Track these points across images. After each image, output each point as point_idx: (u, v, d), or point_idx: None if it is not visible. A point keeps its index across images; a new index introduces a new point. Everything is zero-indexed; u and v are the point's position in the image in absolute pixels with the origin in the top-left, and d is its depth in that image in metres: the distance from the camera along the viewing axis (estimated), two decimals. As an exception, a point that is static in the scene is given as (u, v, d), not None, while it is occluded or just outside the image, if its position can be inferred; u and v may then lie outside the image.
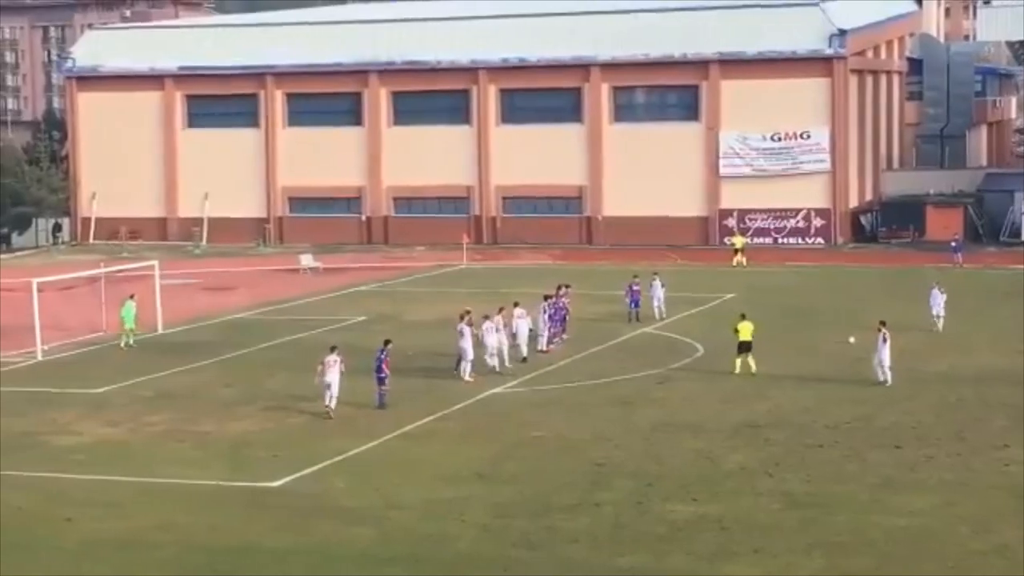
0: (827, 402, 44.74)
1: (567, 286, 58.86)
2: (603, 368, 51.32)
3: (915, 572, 28.79)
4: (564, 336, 56.09)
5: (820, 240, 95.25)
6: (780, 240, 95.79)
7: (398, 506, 33.97)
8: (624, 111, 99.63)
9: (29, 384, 50.07)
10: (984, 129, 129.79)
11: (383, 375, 44.94)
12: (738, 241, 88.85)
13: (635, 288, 62.11)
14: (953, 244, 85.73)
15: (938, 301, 58.48)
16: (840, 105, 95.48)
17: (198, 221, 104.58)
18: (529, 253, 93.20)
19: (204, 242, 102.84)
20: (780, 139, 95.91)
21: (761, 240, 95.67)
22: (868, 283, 76.17)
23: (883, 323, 47.23)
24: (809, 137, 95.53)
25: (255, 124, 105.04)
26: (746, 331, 49.44)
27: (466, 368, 49.12)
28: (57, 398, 47.78)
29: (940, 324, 58.02)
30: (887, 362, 46.66)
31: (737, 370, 49.20)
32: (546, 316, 54.85)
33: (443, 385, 48.44)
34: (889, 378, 46.68)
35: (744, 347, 49.30)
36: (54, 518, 33.37)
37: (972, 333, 58.01)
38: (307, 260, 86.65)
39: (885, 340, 46.58)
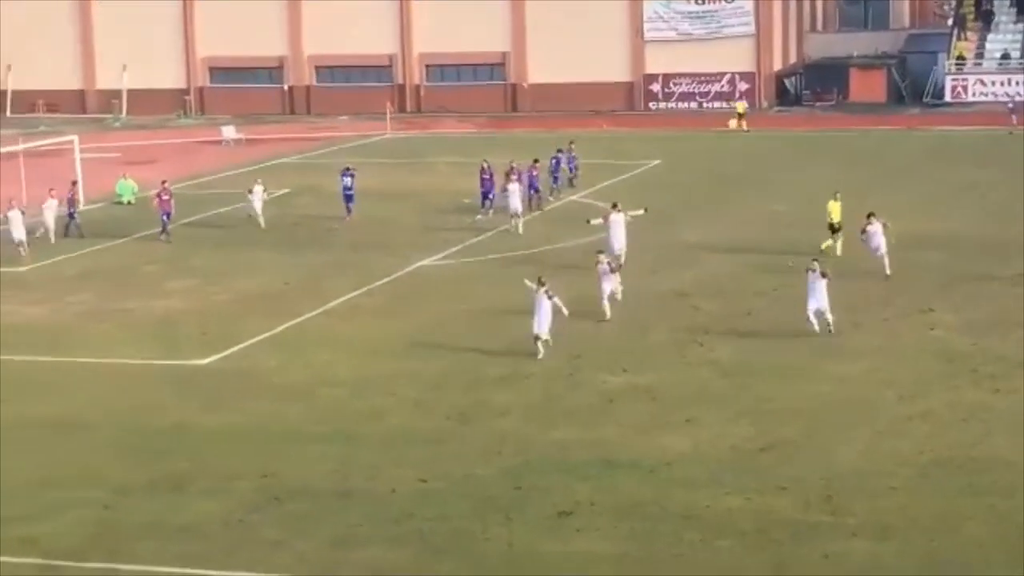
0: (755, 271, 44.75)
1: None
2: (527, 239, 51.08)
3: (843, 437, 29.05)
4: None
5: (745, 104, 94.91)
6: (705, 104, 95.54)
7: (328, 383, 33.86)
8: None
9: (-51, 264, 49.30)
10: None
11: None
12: (740, 107, 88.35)
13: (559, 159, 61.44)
14: (1010, 106, 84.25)
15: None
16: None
17: (117, 93, 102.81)
18: (453, 122, 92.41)
19: (124, 114, 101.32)
20: (704, 2, 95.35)
21: (685, 104, 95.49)
22: (796, 147, 76.27)
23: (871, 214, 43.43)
24: (733, 0, 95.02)
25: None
26: (836, 211, 46.04)
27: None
28: (-22, 278, 47.13)
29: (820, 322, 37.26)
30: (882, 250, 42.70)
31: (823, 247, 45.33)
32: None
33: (368, 259, 48.17)
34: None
35: (833, 229, 45.93)
36: (-19, 400, 32.99)
37: (897, 199, 57.60)
38: (229, 132, 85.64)
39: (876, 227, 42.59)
